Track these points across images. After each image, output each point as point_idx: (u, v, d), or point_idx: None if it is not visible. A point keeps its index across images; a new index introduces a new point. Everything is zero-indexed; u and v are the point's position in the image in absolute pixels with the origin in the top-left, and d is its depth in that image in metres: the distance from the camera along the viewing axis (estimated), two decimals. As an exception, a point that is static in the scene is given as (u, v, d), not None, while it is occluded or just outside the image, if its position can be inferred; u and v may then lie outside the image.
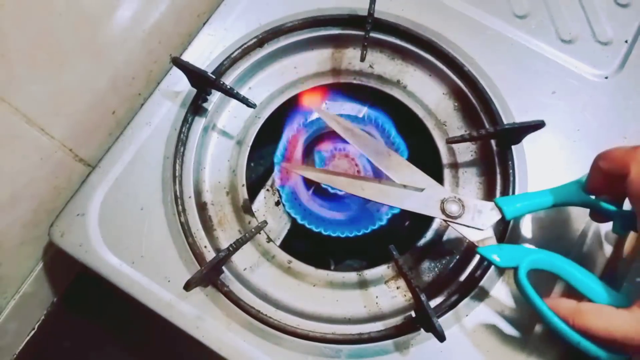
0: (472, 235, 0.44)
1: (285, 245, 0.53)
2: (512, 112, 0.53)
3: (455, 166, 0.53)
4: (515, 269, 0.41)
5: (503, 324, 0.46)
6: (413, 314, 0.46)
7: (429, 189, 0.45)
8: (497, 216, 0.44)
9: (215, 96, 0.55)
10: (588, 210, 0.45)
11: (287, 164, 0.52)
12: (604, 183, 0.41)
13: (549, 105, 0.54)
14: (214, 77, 0.51)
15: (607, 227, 0.48)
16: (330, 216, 0.54)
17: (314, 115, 0.58)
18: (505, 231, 0.49)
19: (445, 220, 0.45)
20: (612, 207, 0.43)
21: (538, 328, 0.46)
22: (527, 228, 0.49)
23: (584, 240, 0.49)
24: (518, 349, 0.45)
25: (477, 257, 0.48)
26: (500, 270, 0.48)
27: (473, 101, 0.54)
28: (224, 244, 0.51)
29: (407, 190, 0.45)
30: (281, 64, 0.58)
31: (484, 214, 0.44)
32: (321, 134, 0.59)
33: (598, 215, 0.45)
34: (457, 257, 0.50)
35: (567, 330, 0.38)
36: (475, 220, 0.43)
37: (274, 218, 0.54)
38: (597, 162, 0.41)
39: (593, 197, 0.44)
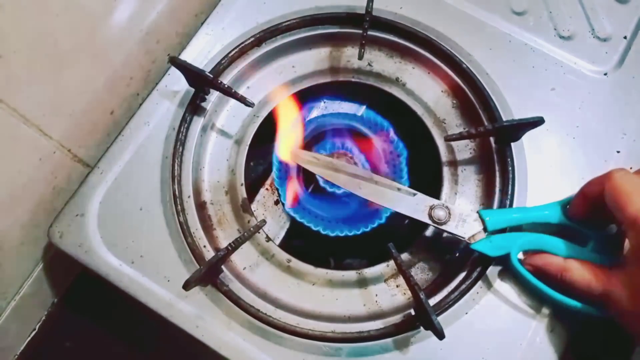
0: (462, 234, 0.46)
1: (285, 244, 0.53)
2: (511, 109, 0.53)
3: (454, 164, 0.53)
4: (508, 255, 0.45)
5: (502, 322, 0.46)
6: (412, 312, 0.46)
7: (419, 195, 0.48)
8: (479, 227, 0.46)
9: (214, 96, 0.54)
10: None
11: (296, 150, 0.52)
12: (586, 207, 0.45)
13: (548, 102, 0.54)
14: (212, 76, 0.51)
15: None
16: (329, 215, 0.54)
17: (313, 114, 0.58)
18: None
19: (433, 226, 0.47)
20: (588, 232, 0.46)
21: (537, 326, 0.46)
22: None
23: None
24: (517, 346, 0.45)
25: (476, 255, 0.48)
26: (501, 265, 0.48)
27: (472, 98, 0.54)
28: (223, 243, 0.51)
29: (400, 193, 0.48)
30: (279, 63, 0.58)
31: (467, 223, 0.47)
32: (320, 133, 0.58)
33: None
34: (456, 255, 0.50)
35: (567, 300, 0.43)
36: (459, 229, 0.46)
37: (273, 217, 0.54)
38: (583, 187, 0.45)
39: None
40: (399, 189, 0.48)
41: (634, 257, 0.41)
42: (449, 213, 0.47)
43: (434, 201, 0.47)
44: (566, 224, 0.46)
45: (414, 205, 0.47)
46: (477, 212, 0.47)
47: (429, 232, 0.51)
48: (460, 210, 0.47)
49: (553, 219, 0.46)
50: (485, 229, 0.46)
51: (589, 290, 0.42)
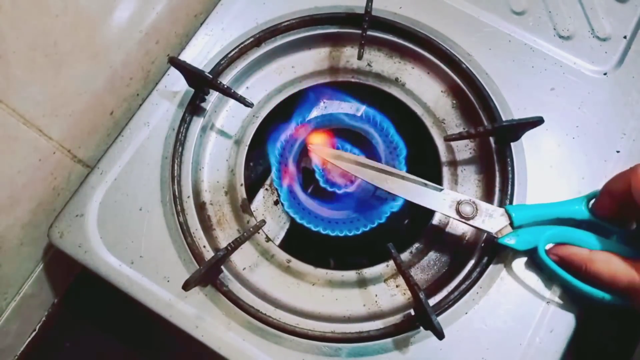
0: (490, 229, 0.46)
1: (284, 245, 0.53)
2: (511, 109, 0.53)
3: (454, 164, 0.53)
4: (534, 249, 0.45)
5: (502, 322, 0.46)
6: (412, 312, 0.46)
7: (446, 190, 0.48)
8: (505, 222, 0.46)
9: (213, 96, 0.55)
10: None
11: (315, 147, 0.53)
12: (612, 205, 0.44)
13: (548, 102, 0.54)
14: (211, 76, 0.51)
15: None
16: (329, 215, 0.54)
17: (312, 114, 0.58)
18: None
19: (460, 221, 0.47)
20: (611, 227, 0.45)
21: (537, 326, 0.46)
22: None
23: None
24: (517, 347, 0.45)
25: (476, 256, 0.48)
26: (501, 265, 0.48)
27: (471, 98, 0.54)
28: (223, 243, 0.51)
29: (427, 188, 0.48)
30: (279, 63, 0.58)
31: (494, 219, 0.47)
32: (320, 132, 0.58)
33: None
34: (456, 255, 0.50)
35: (594, 291, 0.43)
36: (486, 224, 0.46)
37: (272, 217, 0.54)
38: (605, 185, 0.45)
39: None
40: (425, 184, 0.48)
41: None
42: (476, 208, 0.47)
43: (461, 196, 0.47)
44: (591, 220, 0.46)
45: (441, 200, 0.47)
46: (504, 207, 0.47)
47: (429, 232, 0.51)
48: (486, 206, 0.47)
49: (578, 215, 0.46)
50: (511, 225, 0.46)
51: (613, 282, 0.42)
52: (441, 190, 0.47)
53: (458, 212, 0.47)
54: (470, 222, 0.46)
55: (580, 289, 0.44)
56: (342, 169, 0.49)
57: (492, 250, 0.48)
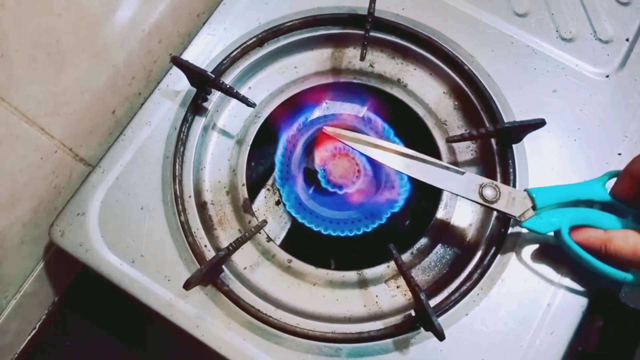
0: (513, 212, 0.46)
1: (285, 245, 0.53)
2: (513, 111, 0.53)
3: (455, 165, 0.53)
4: (558, 232, 0.45)
5: (502, 323, 0.46)
6: (413, 313, 0.46)
7: (468, 173, 0.47)
8: (528, 204, 0.46)
9: (215, 95, 0.55)
10: None
11: (330, 129, 0.50)
12: (632, 187, 0.44)
13: (550, 104, 0.54)
14: (213, 76, 0.51)
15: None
16: (330, 215, 0.54)
17: (314, 114, 0.58)
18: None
19: (482, 204, 0.46)
20: (631, 208, 0.46)
21: (537, 327, 0.46)
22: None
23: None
24: (517, 348, 0.45)
25: (477, 257, 0.48)
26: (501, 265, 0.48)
27: (473, 100, 0.54)
28: (224, 243, 0.51)
29: (449, 172, 0.47)
30: (281, 64, 0.58)
31: (517, 201, 0.46)
32: (322, 133, 0.58)
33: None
34: (457, 256, 0.50)
35: (618, 273, 0.43)
36: (509, 207, 0.46)
37: (274, 217, 0.54)
38: (626, 168, 0.45)
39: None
40: (447, 168, 0.47)
41: None
42: (499, 192, 0.46)
43: (483, 180, 0.47)
44: (609, 200, 0.46)
45: (464, 184, 0.46)
46: (525, 190, 0.47)
47: (430, 233, 0.51)
48: (509, 189, 0.47)
49: (597, 196, 0.46)
50: (534, 207, 0.46)
51: (636, 254, 0.41)
52: (463, 173, 0.47)
53: (482, 195, 0.46)
54: (494, 205, 0.46)
55: (603, 271, 0.44)
56: (358, 150, 0.48)
57: (494, 252, 0.48)
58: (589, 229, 0.45)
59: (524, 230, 0.49)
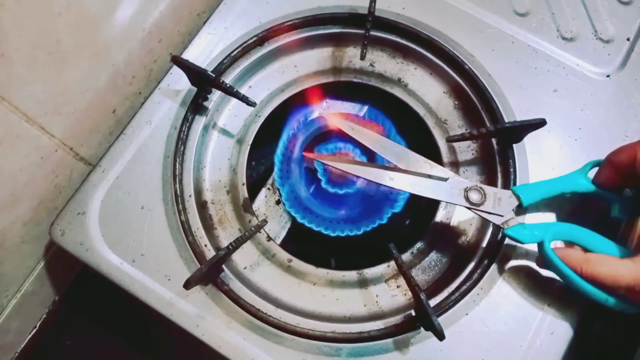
0: (496, 219, 0.46)
1: (286, 244, 0.53)
2: (513, 111, 0.53)
3: (456, 165, 0.53)
4: (541, 244, 0.45)
5: (502, 323, 0.46)
6: (413, 312, 0.46)
7: (451, 179, 0.47)
8: (515, 203, 0.46)
9: (216, 95, 0.54)
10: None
11: (311, 154, 0.51)
12: (614, 175, 0.45)
13: (550, 104, 0.54)
14: (214, 75, 0.51)
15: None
16: (331, 215, 0.54)
17: (315, 114, 0.58)
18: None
19: (469, 208, 0.46)
20: (612, 195, 0.46)
21: (537, 327, 0.46)
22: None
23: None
24: (517, 348, 0.45)
25: (477, 257, 0.48)
26: (500, 265, 0.48)
27: (474, 99, 0.54)
28: (224, 242, 0.51)
29: (432, 180, 0.47)
30: (281, 63, 0.58)
31: (503, 201, 0.46)
32: (322, 133, 0.58)
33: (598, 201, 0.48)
34: (457, 256, 0.50)
35: (596, 292, 0.42)
36: (496, 208, 0.46)
37: (274, 217, 0.54)
38: (609, 157, 0.45)
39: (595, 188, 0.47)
40: (429, 176, 0.47)
41: None
42: (484, 194, 0.46)
43: (467, 183, 0.46)
44: (591, 190, 0.46)
45: (448, 190, 0.46)
46: (511, 189, 0.47)
47: (430, 233, 0.51)
48: (494, 190, 0.46)
49: (581, 187, 0.47)
50: (520, 205, 0.46)
51: (615, 281, 0.41)
52: (446, 179, 0.46)
53: (467, 199, 0.46)
54: (481, 208, 0.46)
55: (584, 289, 0.43)
56: (340, 169, 0.47)
57: (494, 252, 0.48)
58: (568, 249, 0.44)
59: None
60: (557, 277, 0.45)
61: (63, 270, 0.60)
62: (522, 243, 0.45)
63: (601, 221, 0.45)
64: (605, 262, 0.42)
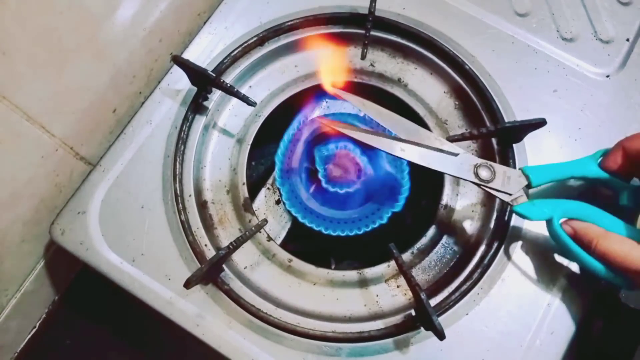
0: (505, 197, 0.46)
1: (286, 244, 0.53)
2: (513, 111, 0.53)
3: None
4: (549, 220, 0.45)
5: (503, 323, 0.46)
6: (413, 312, 0.46)
7: (462, 154, 0.47)
8: (523, 182, 0.46)
9: (216, 95, 0.55)
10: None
11: (324, 120, 0.51)
12: (623, 161, 0.45)
13: (550, 104, 0.54)
14: (214, 75, 0.51)
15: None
16: (331, 215, 0.54)
17: (315, 114, 0.58)
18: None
19: (478, 185, 0.46)
20: (621, 183, 0.46)
21: (537, 327, 0.46)
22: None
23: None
24: (517, 348, 0.45)
25: (477, 256, 0.48)
26: (500, 268, 0.48)
27: (474, 99, 0.54)
28: (224, 242, 0.51)
29: (443, 154, 0.46)
30: (282, 63, 0.58)
31: (512, 180, 0.46)
32: (322, 132, 0.58)
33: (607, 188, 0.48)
34: (458, 256, 0.50)
35: (602, 269, 0.42)
36: (505, 186, 0.46)
37: (274, 217, 0.54)
38: (622, 142, 0.45)
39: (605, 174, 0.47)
40: (440, 150, 0.46)
41: None
42: (494, 171, 0.46)
43: (478, 160, 0.46)
44: (601, 176, 0.46)
45: (458, 164, 0.46)
46: (521, 169, 0.47)
47: (430, 233, 0.51)
48: (503, 169, 0.46)
49: (590, 173, 0.47)
50: (529, 185, 0.46)
51: (624, 262, 0.41)
52: (457, 154, 0.46)
53: (477, 175, 0.46)
54: (490, 185, 0.46)
55: (590, 265, 0.43)
56: (354, 138, 0.46)
57: (494, 252, 0.48)
58: (593, 225, 0.44)
59: (524, 231, 0.49)
60: (557, 277, 0.45)
61: (63, 270, 0.60)
62: (530, 219, 0.45)
63: (609, 209, 0.45)
64: (623, 242, 0.42)
